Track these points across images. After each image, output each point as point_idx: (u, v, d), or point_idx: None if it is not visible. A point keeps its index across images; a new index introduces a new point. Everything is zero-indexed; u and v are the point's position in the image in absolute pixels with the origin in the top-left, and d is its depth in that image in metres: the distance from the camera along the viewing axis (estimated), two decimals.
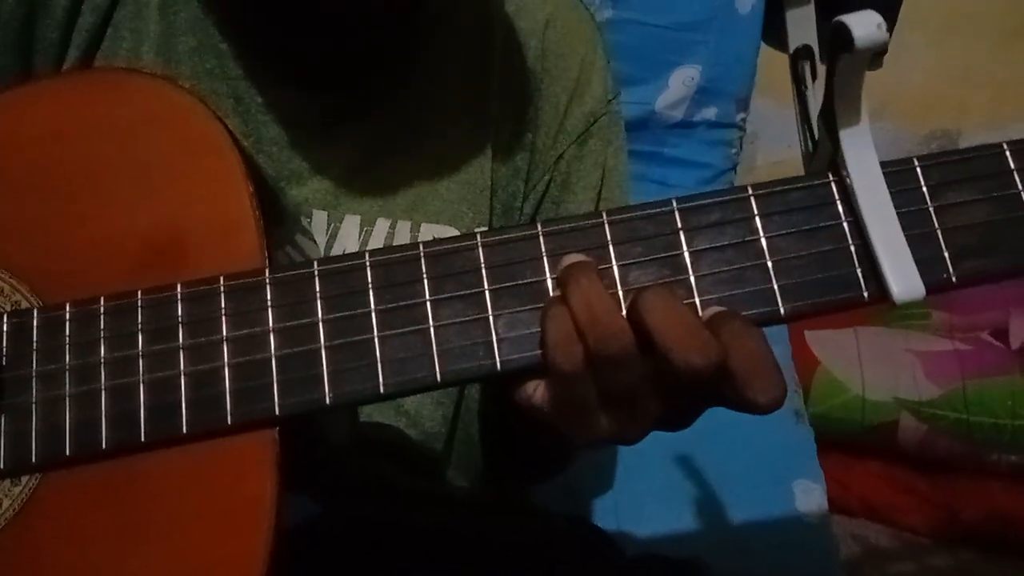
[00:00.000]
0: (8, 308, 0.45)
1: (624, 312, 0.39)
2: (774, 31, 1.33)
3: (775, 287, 0.39)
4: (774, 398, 0.37)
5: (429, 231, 0.62)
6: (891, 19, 1.74)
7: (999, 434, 1.43)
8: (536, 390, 0.41)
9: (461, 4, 0.66)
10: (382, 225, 0.62)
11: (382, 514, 0.65)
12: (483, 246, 0.41)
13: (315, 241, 0.60)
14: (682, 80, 1.37)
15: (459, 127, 0.64)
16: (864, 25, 0.34)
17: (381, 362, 0.40)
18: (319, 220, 0.61)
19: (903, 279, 0.38)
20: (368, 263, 0.42)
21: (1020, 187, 0.40)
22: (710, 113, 1.41)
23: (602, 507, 0.97)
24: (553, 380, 0.40)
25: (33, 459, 0.42)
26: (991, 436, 1.43)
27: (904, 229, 0.39)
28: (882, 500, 1.56)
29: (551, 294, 0.40)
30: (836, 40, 0.35)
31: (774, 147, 1.74)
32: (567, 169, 0.68)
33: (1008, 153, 0.40)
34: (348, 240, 0.61)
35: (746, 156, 1.59)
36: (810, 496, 1.02)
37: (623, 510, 0.97)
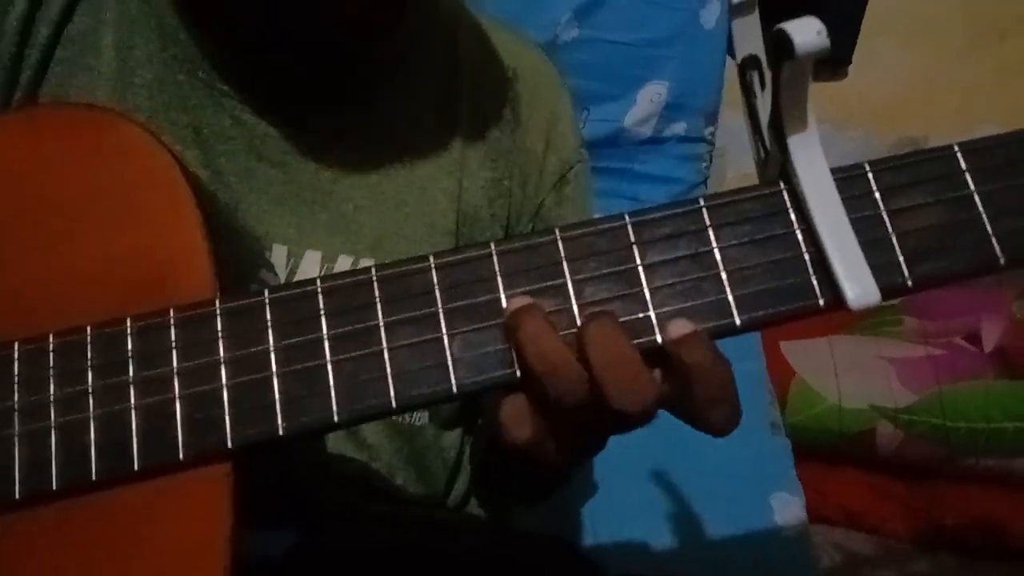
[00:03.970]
0: None
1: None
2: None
3: (730, 298, 0.39)
4: (729, 426, 0.39)
5: None
6: (854, 30, 1.76)
7: (975, 438, 1.43)
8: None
9: (430, 48, 0.66)
10: (344, 262, 0.61)
11: (351, 540, 0.65)
12: (436, 268, 0.41)
13: (279, 276, 0.59)
14: (650, 96, 1.37)
15: (422, 168, 0.64)
16: (804, 32, 0.34)
17: (335, 389, 0.39)
18: (279, 254, 0.60)
19: (858, 285, 0.38)
20: (319, 289, 0.41)
21: (972, 187, 0.40)
22: (679, 128, 1.41)
23: (579, 524, 0.96)
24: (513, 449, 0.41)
25: None
26: (968, 440, 1.44)
27: (857, 235, 0.39)
28: (862, 508, 1.56)
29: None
30: (778, 48, 0.35)
31: (744, 160, 1.73)
32: (547, 216, 0.70)
33: (959, 154, 0.40)
34: (308, 276, 0.60)
35: (716, 170, 1.59)
36: (788, 509, 1.02)
37: (600, 527, 0.96)
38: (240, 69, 0.59)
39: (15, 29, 0.56)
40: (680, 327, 0.39)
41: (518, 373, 0.39)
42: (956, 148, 0.40)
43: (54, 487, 0.40)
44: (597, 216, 0.71)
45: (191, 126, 0.59)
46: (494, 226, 0.67)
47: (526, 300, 0.39)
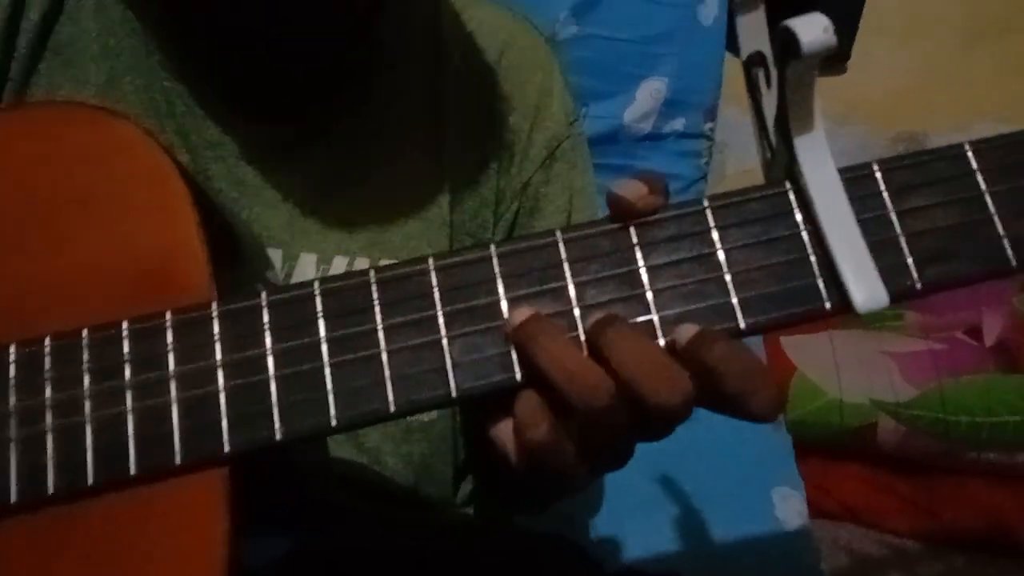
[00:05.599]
0: None
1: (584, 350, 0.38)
2: (738, 41, 1.33)
3: (734, 301, 0.38)
4: (772, 410, 0.37)
5: None
6: (853, 25, 1.75)
7: (977, 432, 1.43)
8: (508, 445, 0.40)
9: (412, 35, 0.65)
10: (339, 263, 0.60)
11: (353, 543, 0.64)
12: (436, 270, 0.40)
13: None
14: (649, 92, 1.38)
15: (413, 160, 0.64)
16: (811, 30, 0.33)
17: (333, 393, 0.39)
18: (274, 258, 0.59)
19: (866, 288, 0.37)
20: (317, 291, 0.40)
21: (983, 188, 0.39)
22: (678, 124, 1.41)
23: (580, 521, 0.96)
24: (528, 452, 0.39)
25: None
26: (969, 434, 1.43)
27: (865, 236, 0.38)
28: (863, 503, 1.55)
29: (505, 316, 0.39)
30: (784, 47, 0.34)
31: (743, 155, 1.75)
32: (535, 195, 0.68)
33: (970, 154, 0.39)
34: (305, 279, 0.60)
35: (716, 165, 1.59)
36: (789, 503, 1.02)
37: (601, 524, 0.95)
38: (223, 73, 0.58)
39: None
40: (687, 330, 0.38)
41: (518, 377, 0.38)
42: (967, 147, 0.39)
43: (50, 492, 0.40)
44: (595, 187, 0.71)
45: (179, 132, 0.58)
46: (484, 211, 0.66)
47: (529, 311, 0.38)
